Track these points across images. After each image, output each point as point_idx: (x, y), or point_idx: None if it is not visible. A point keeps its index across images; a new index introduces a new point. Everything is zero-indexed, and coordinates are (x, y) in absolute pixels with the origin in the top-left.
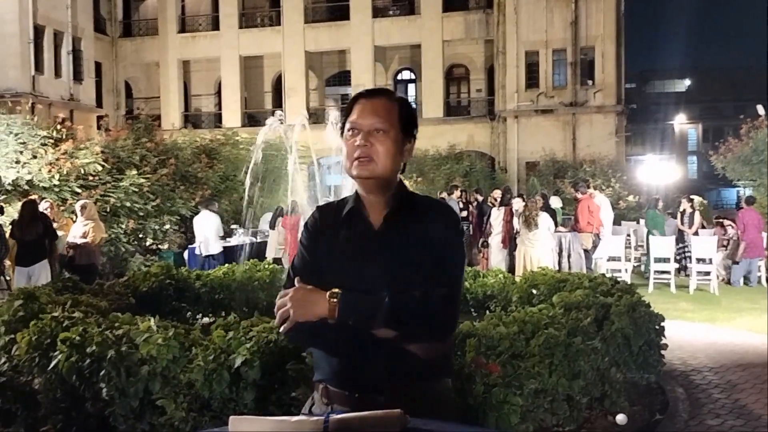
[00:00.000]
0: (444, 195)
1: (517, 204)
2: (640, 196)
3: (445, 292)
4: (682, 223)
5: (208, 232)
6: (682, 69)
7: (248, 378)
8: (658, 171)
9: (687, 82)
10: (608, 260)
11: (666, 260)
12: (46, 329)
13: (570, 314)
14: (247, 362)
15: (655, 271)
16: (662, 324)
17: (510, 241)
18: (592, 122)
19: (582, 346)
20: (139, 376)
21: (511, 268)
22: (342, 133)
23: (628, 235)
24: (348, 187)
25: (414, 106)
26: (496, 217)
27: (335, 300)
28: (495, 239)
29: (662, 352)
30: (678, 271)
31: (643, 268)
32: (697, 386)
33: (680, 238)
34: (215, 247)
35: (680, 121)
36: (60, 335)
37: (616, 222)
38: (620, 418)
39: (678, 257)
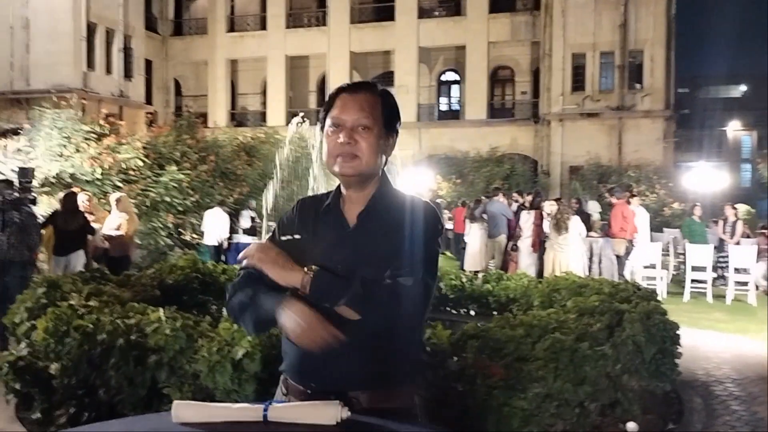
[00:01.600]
0: (483, 198)
1: (549, 207)
2: (686, 203)
3: (417, 283)
4: (724, 232)
5: (212, 227)
6: (738, 75)
7: (249, 370)
8: (706, 178)
9: (742, 88)
10: (644, 267)
11: (703, 269)
12: (62, 317)
13: (582, 319)
14: (248, 354)
15: (692, 280)
16: (677, 332)
17: (540, 245)
18: (639, 127)
19: (589, 352)
20: (147, 365)
21: (541, 273)
22: (322, 127)
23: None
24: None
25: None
26: (526, 220)
27: (311, 274)
28: (525, 242)
29: (679, 361)
30: (716, 280)
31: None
32: (716, 397)
33: (720, 246)
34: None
35: (734, 128)
36: (73, 323)
37: (659, 229)
38: (631, 426)
39: (717, 266)
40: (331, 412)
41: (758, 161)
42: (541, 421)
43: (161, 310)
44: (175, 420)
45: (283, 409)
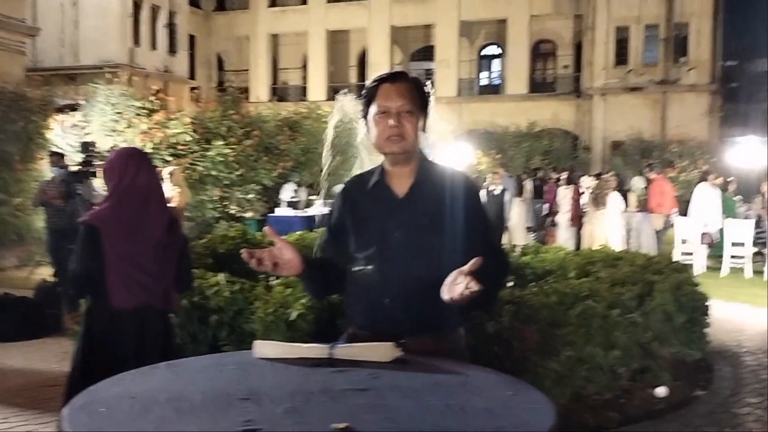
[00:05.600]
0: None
1: (587, 182)
2: (729, 179)
3: (499, 258)
4: (762, 208)
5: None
6: None
7: (302, 330)
8: (754, 153)
9: None
10: (682, 243)
11: (741, 244)
12: None
13: (614, 289)
14: (301, 316)
15: (731, 256)
16: (707, 303)
17: (578, 219)
18: (683, 101)
19: (619, 319)
20: (208, 324)
21: (578, 246)
22: (365, 114)
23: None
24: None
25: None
26: (564, 195)
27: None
28: (563, 217)
29: (712, 332)
30: (755, 255)
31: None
32: (746, 366)
33: (758, 222)
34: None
35: None
36: None
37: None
38: (660, 390)
39: (756, 242)
40: (386, 351)
41: None
42: (572, 383)
43: (220, 274)
44: (257, 355)
45: (346, 349)
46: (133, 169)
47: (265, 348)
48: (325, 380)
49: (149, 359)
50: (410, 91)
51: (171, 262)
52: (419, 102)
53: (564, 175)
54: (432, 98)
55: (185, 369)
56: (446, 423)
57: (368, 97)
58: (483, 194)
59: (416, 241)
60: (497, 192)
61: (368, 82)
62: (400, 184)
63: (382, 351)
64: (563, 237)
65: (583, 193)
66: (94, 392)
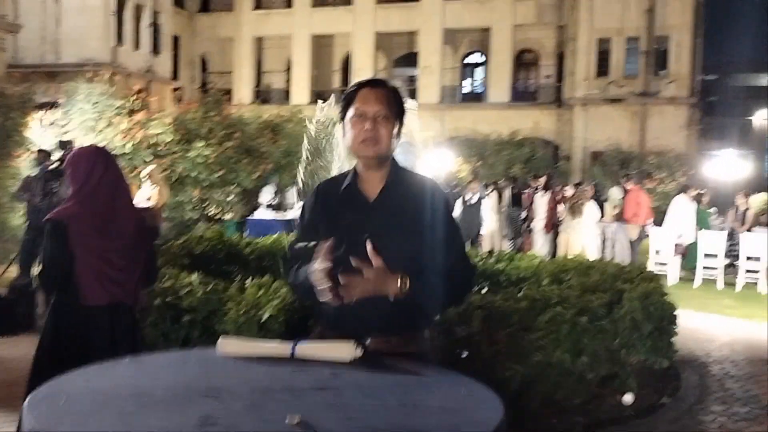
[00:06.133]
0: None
1: (570, 191)
2: (702, 191)
3: (467, 261)
4: (735, 220)
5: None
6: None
7: (274, 330)
8: (729, 166)
9: None
10: (655, 253)
11: (714, 256)
12: None
13: (584, 296)
14: (273, 317)
15: (704, 267)
16: (675, 312)
17: (552, 227)
18: (662, 113)
19: (588, 325)
20: (181, 323)
21: (554, 255)
22: (343, 117)
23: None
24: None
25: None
26: (541, 201)
27: (406, 283)
28: (539, 224)
29: (682, 341)
30: (728, 267)
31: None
32: (713, 375)
33: (732, 234)
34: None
35: (761, 117)
36: None
37: None
38: (627, 397)
39: (729, 254)
40: (347, 350)
41: None
42: (541, 388)
43: (194, 274)
44: (220, 353)
45: (307, 348)
46: (101, 167)
47: (229, 345)
48: (287, 378)
49: (118, 355)
50: (388, 97)
51: (140, 258)
52: (396, 109)
53: (543, 180)
54: (415, 105)
55: (149, 364)
56: (400, 420)
57: (347, 100)
58: (459, 203)
59: (384, 243)
60: (473, 201)
61: (348, 87)
62: (371, 188)
63: (343, 350)
64: (539, 243)
65: (561, 200)
66: (56, 384)
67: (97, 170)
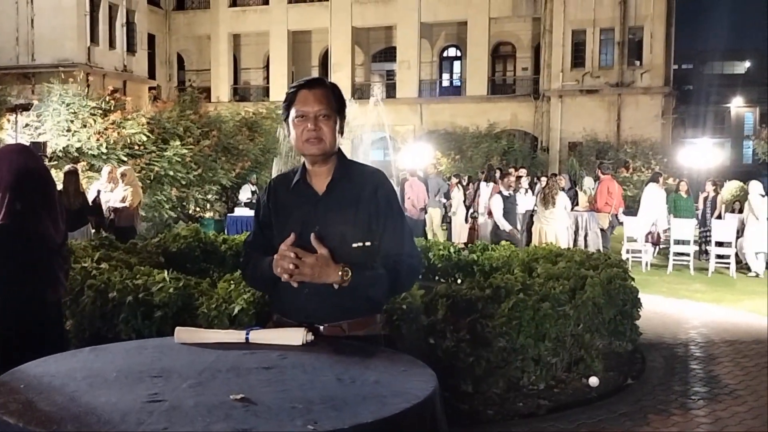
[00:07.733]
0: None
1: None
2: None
3: (413, 250)
4: (705, 207)
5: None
6: (742, 51)
7: (244, 324)
8: (706, 155)
9: (747, 64)
10: (627, 241)
11: (686, 242)
12: (76, 277)
13: (548, 283)
14: (243, 311)
15: (675, 253)
16: (637, 296)
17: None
18: (638, 103)
19: (550, 311)
20: (153, 319)
21: (528, 244)
22: (286, 117)
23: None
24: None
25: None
26: (485, 192)
27: (348, 272)
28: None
29: (650, 325)
30: (700, 254)
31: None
32: (677, 357)
33: (704, 221)
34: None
35: (737, 105)
36: (87, 282)
37: None
38: (592, 380)
39: (700, 240)
40: (298, 335)
41: (753, 138)
42: (506, 373)
43: (165, 271)
44: (177, 341)
45: (261, 333)
46: (31, 164)
47: (184, 334)
48: (236, 360)
49: (56, 348)
50: (327, 96)
51: (68, 254)
52: (336, 106)
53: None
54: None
55: (107, 352)
56: (333, 392)
57: (288, 102)
58: (499, 198)
59: (333, 234)
60: (509, 195)
61: (287, 88)
62: (320, 181)
63: (293, 335)
64: (485, 232)
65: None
66: (17, 372)
67: (26, 167)
